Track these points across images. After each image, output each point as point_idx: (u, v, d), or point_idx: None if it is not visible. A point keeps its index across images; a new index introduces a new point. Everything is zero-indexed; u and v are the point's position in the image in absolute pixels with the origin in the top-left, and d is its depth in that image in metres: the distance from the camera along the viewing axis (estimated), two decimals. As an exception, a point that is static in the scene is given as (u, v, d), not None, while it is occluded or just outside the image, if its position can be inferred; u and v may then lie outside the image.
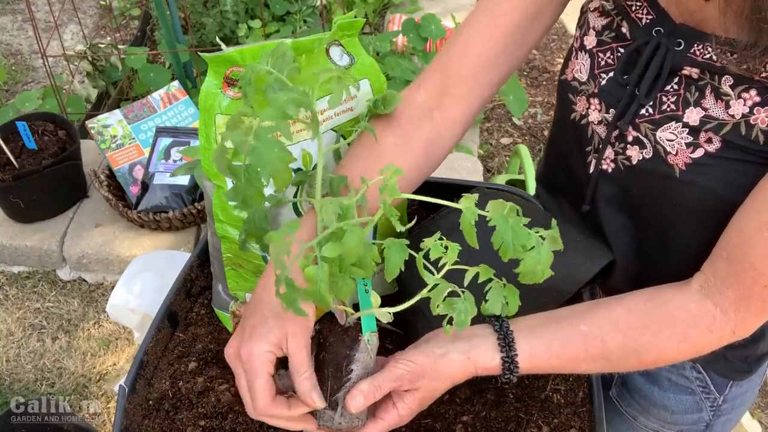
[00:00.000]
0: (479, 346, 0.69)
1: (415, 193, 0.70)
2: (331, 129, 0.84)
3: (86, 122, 2.20)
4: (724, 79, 0.68)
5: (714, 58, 0.68)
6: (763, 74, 0.65)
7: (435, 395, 0.69)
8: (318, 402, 0.63)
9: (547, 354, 0.69)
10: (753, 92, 0.66)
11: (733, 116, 0.68)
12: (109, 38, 3.22)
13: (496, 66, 0.82)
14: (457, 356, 0.67)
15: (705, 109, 0.69)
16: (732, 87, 0.67)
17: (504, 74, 0.83)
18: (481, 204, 0.93)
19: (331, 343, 0.68)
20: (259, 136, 0.56)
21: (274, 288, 0.62)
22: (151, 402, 0.84)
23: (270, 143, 0.56)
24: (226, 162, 0.58)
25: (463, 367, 0.68)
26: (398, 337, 0.91)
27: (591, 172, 0.83)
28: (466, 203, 0.61)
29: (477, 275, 0.67)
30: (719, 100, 0.68)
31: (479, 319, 0.72)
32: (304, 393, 0.63)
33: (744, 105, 0.67)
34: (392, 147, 0.79)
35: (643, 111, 0.74)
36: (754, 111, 0.66)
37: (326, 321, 0.70)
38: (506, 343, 0.68)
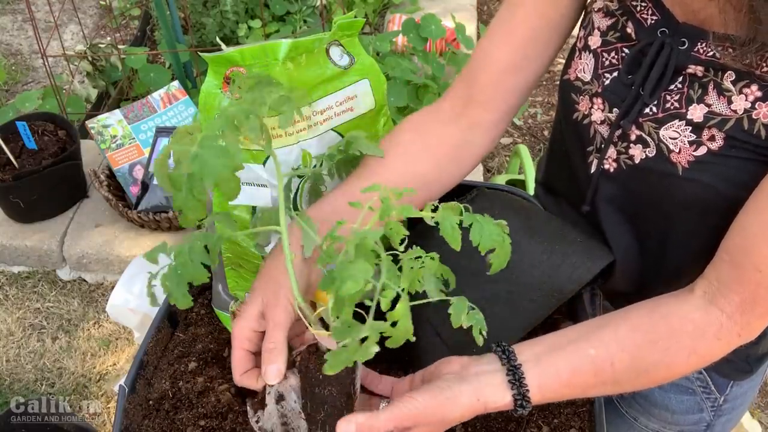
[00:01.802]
0: (488, 384, 0.67)
1: None
2: (331, 129, 0.84)
3: (86, 122, 2.20)
4: (726, 75, 0.68)
5: (717, 55, 0.68)
6: (764, 69, 0.65)
7: (441, 430, 0.68)
8: (269, 377, 0.64)
9: (557, 385, 0.68)
10: (754, 87, 0.66)
11: (735, 111, 0.68)
12: (109, 38, 3.21)
13: (518, 71, 0.84)
14: (467, 399, 0.66)
15: (708, 105, 0.69)
16: (733, 83, 0.68)
17: (530, 78, 0.85)
18: (478, 204, 0.93)
19: (337, 374, 0.63)
20: (204, 144, 0.54)
21: (271, 257, 0.70)
22: (151, 402, 0.84)
23: (215, 150, 0.53)
24: (166, 172, 0.55)
25: (473, 408, 0.67)
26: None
27: (592, 172, 0.83)
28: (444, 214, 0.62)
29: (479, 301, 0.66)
30: (722, 96, 0.69)
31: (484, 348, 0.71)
32: (263, 363, 0.65)
33: (746, 100, 0.67)
34: (409, 144, 0.83)
35: (646, 110, 0.74)
36: (756, 106, 0.66)
37: (312, 356, 0.67)
38: (516, 379, 0.67)
